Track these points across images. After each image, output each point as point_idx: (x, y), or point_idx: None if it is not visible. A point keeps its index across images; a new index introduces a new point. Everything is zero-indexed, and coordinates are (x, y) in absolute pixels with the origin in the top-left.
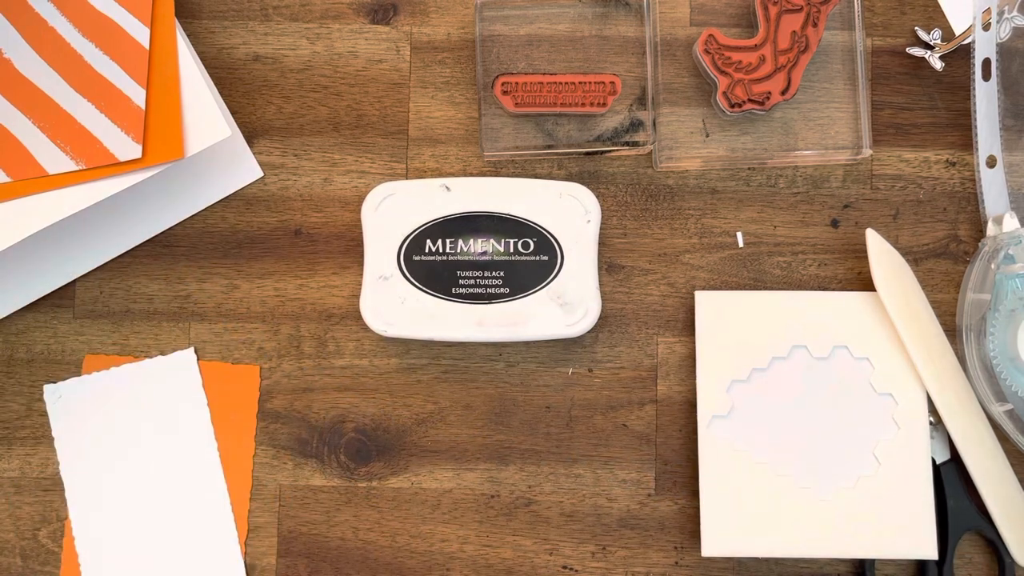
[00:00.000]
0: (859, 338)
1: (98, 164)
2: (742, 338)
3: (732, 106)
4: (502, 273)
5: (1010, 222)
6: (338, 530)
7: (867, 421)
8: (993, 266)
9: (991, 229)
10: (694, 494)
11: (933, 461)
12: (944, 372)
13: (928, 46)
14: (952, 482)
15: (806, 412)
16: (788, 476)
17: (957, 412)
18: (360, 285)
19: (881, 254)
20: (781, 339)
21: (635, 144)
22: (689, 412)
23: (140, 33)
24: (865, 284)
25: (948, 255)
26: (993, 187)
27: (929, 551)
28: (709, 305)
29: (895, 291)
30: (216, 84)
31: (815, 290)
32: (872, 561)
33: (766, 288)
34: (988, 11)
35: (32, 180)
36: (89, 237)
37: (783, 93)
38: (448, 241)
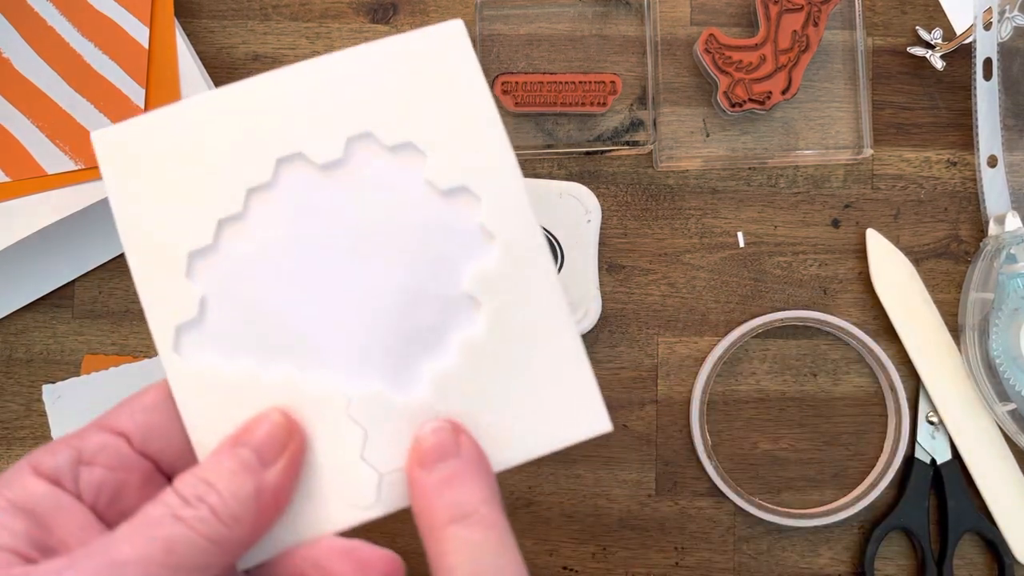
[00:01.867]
0: (399, 112)
1: (97, 163)
2: (186, 173)
3: (733, 106)
4: None
5: (1012, 221)
6: None
7: (443, 253)
8: (995, 265)
9: (993, 229)
10: (695, 495)
11: (934, 461)
12: (946, 371)
13: (929, 45)
14: (953, 482)
15: (334, 264)
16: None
17: (959, 411)
18: None
19: (882, 254)
20: (255, 152)
21: (635, 144)
22: (690, 412)
23: (139, 32)
24: (866, 285)
25: (949, 255)
26: (994, 187)
27: (600, 423)
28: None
29: (895, 292)
30: (216, 83)
31: (816, 289)
32: (872, 558)
33: (765, 288)
34: (989, 10)
35: (31, 180)
36: (88, 237)
37: (784, 93)
38: None
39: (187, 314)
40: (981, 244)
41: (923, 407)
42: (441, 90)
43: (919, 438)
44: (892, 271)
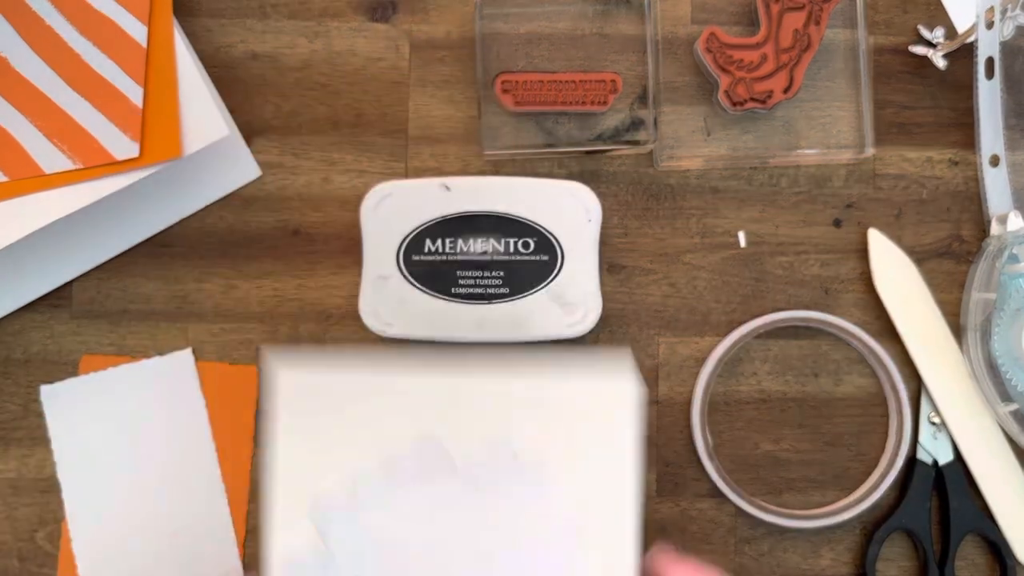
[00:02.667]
0: (536, 432)
1: (95, 163)
2: (345, 436)
3: (734, 105)
4: (502, 273)
5: (1015, 221)
6: None
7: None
8: (998, 265)
9: (995, 228)
10: (697, 496)
11: (936, 462)
12: (948, 372)
13: (931, 44)
14: (955, 482)
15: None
16: None
17: (961, 412)
18: (359, 285)
19: (883, 254)
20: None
21: (636, 143)
22: (690, 412)
23: (137, 31)
24: (868, 285)
25: (951, 255)
26: (996, 186)
27: None
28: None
29: (897, 292)
30: (214, 82)
31: (817, 289)
32: (874, 560)
33: (766, 288)
34: (991, 10)
35: (29, 179)
36: (86, 237)
37: (785, 92)
38: (447, 241)
39: (304, 558)
40: (983, 244)
41: (925, 407)
42: (593, 442)
43: (921, 439)
44: (894, 271)
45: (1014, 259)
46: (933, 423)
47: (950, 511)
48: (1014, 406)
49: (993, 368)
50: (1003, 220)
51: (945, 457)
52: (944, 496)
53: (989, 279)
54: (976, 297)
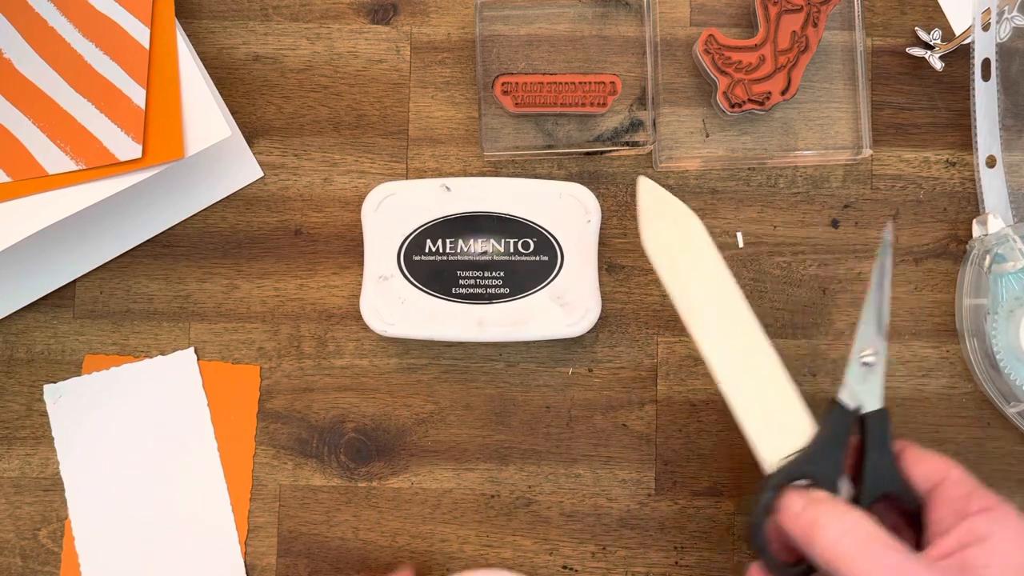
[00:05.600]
0: None
1: (98, 164)
2: None
3: (732, 106)
4: (502, 273)
5: (995, 222)
6: (338, 530)
7: None
8: (985, 268)
9: (976, 231)
10: (695, 494)
11: (859, 408)
12: (725, 337)
13: (928, 46)
14: (875, 434)
15: None
16: None
17: (727, 350)
18: (360, 285)
19: (654, 204)
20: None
21: (635, 144)
22: (689, 412)
23: (140, 33)
24: (867, 284)
25: (948, 255)
26: (993, 187)
27: None
28: None
29: (667, 249)
30: (216, 84)
31: (815, 290)
32: (764, 509)
33: (766, 288)
34: (988, 11)
35: (32, 180)
36: (89, 237)
37: (783, 93)
38: (448, 241)
39: None
40: (968, 246)
41: (859, 342)
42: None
43: (847, 378)
44: (665, 224)
45: (1001, 259)
46: (865, 363)
47: (865, 467)
48: (1022, 406)
49: (996, 369)
50: (984, 222)
51: (872, 404)
52: (864, 449)
53: (978, 284)
54: (967, 304)
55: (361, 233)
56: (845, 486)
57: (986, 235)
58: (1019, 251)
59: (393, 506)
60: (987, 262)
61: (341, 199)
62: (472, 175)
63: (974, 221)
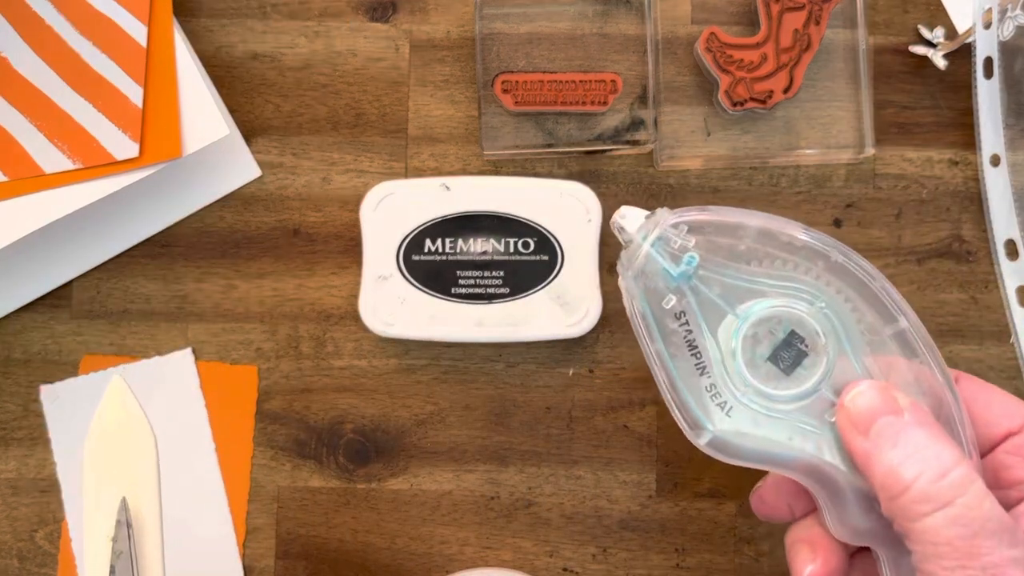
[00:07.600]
0: None
1: (95, 163)
2: None
3: (734, 105)
4: (502, 273)
5: (634, 219)
6: (337, 532)
7: None
8: (651, 271)
9: (623, 236)
10: (696, 496)
11: None
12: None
13: (931, 44)
14: None
15: None
16: None
17: None
18: (359, 285)
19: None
20: None
21: (636, 143)
22: None
23: (138, 31)
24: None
25: (951, 255)
26: (997, 186)
27: None
28: None
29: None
30: (214, 82)
31: None
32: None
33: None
34: (989, 11)
35: (29, 179)
36: (86, 237)
37: (785, 91)
38: (448, 241)
39: None
40: (618, 263)
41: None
42: None
43: None
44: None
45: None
46: None
47: None
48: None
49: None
50: (621, 230)
51: None
52: None
53: (660, 301)
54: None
55: (360, 233)
56: None
57: (634, 236)
58: None
59: (392, 508)
60: (657, 266)
61: (340, 198)
62: (472, 174)
63: (613, 227)
